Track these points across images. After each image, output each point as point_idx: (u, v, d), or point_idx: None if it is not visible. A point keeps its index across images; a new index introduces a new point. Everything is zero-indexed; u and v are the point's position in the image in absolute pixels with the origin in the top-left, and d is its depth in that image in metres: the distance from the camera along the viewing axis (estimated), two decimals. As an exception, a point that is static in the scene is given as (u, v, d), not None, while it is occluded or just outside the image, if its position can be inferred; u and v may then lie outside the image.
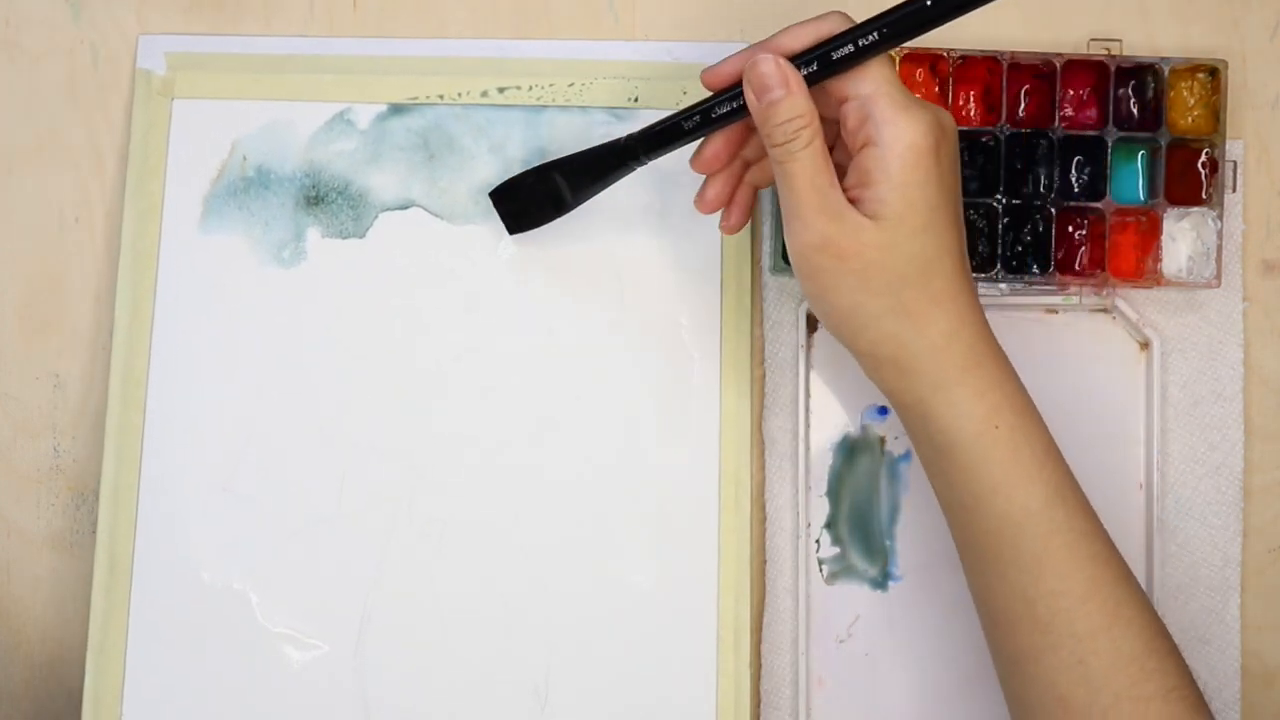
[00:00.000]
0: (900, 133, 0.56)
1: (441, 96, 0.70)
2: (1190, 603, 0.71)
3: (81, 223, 0.71)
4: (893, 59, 0.57)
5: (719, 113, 0.60)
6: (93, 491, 0.70)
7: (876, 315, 0.58)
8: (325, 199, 0.70)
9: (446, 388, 0.69)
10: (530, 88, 0.70)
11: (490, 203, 0.67)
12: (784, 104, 0.57)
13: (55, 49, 0.71)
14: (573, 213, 0.66)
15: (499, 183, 0.67)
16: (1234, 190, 0.71)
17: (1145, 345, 0.71)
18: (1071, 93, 0.70)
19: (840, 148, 0.60)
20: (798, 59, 0.58)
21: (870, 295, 0.58)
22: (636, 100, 0.71)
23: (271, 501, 0.68)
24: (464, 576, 0.68)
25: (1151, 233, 0.70)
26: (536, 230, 0.67)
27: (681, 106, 0.61)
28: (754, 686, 0.70)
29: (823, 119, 0.58)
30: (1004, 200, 0.70)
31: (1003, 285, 0.70)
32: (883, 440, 0.71)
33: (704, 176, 0.63)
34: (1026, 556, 0.58)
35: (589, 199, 0.65)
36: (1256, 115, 0.72)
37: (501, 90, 0.70)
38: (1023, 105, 0.70)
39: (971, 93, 0.70)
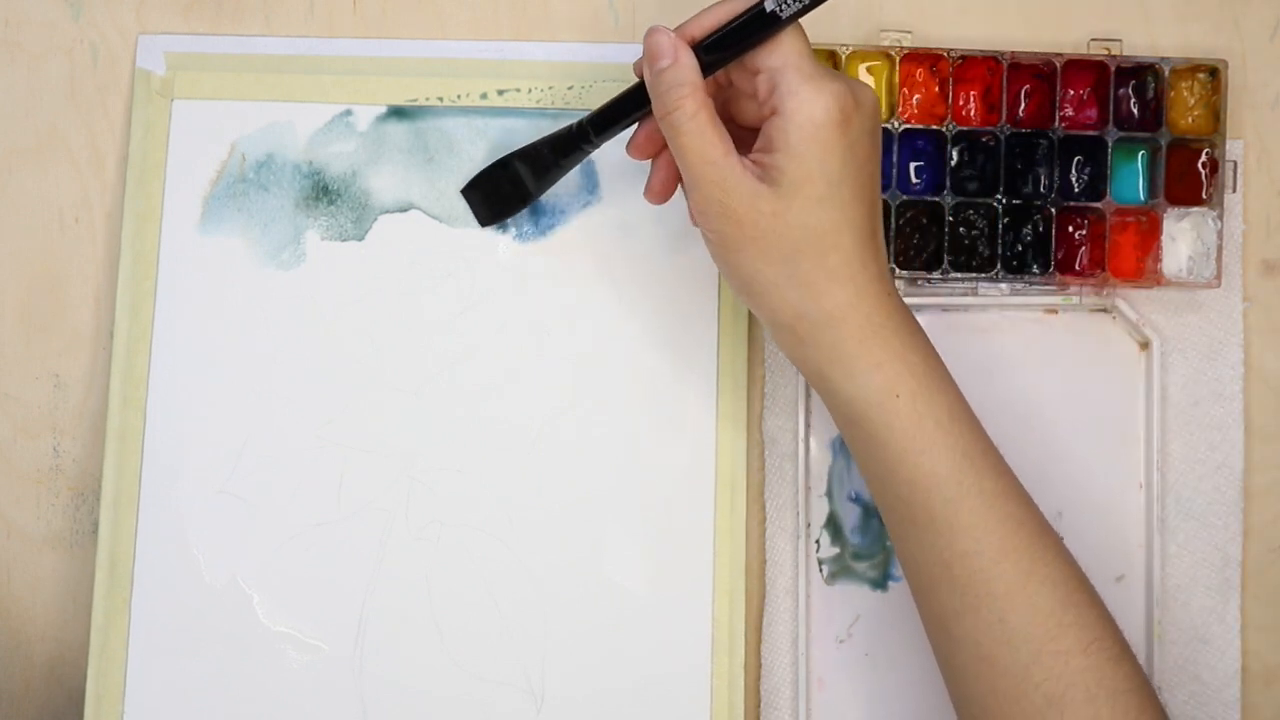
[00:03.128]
0: (801, 103, 0.57)
1: (441, 99, 0.70)
2: (1190, 603, 0.71)
3: (81, 223, 0.71)
4: (804, 33, 0.58)
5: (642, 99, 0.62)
6: (92, 491, 0.70)
7: (774, 283, 0.59)
8: (325, 201, 0.70)
9: (444, 390, 0.69)
10: (529, 90, 0.70)
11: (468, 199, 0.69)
12: (668, 72, 0.58)
13: (55, 49, 0.71)
14: (572, 214, 0.66)
15: (468, 181, 0.68)
16: (1234, 190, 0.71)
17: (1145, 345, 0.71)
18: (1072, 93, 0.70)
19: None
20: (710, 37, 0.59)
21: (767, 263, 0.58)
22: None
23: (270, 503, 0.69)
24: (461, 577, 0.69)
25: (1152, 233, 0.70)
26: (535, 233, 0.68)
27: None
28: (754, 687, 0.70)
29: (742, 94, 0.60)
30: (1004, 200, 0.70)
31: (1003, 285, 0.70)
32: (883, 440, 0.71)
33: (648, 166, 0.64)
34: (939, 520, 0.59)
35: (550, 186, 0.67)
36: (1256, 115, 0.72)
37: (501, 93, 0.70)
38: (1023, 105, 0.70)
39: (972, 93, 0.70)
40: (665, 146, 0.62)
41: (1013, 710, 0.58)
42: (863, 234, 0.59)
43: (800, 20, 0.58)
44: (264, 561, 0.68)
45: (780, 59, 0.58)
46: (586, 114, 0.64)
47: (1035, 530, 0.60)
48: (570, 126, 0.64)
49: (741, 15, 0.59)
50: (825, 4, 0.58)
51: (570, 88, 0.70)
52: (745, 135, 0.60)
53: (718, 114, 0.59)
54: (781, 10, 0.58)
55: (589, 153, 0.65)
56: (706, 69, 0.59)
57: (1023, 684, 0.58)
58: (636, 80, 0.62)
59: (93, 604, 0.68)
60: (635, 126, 0.63)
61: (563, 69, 0.71)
